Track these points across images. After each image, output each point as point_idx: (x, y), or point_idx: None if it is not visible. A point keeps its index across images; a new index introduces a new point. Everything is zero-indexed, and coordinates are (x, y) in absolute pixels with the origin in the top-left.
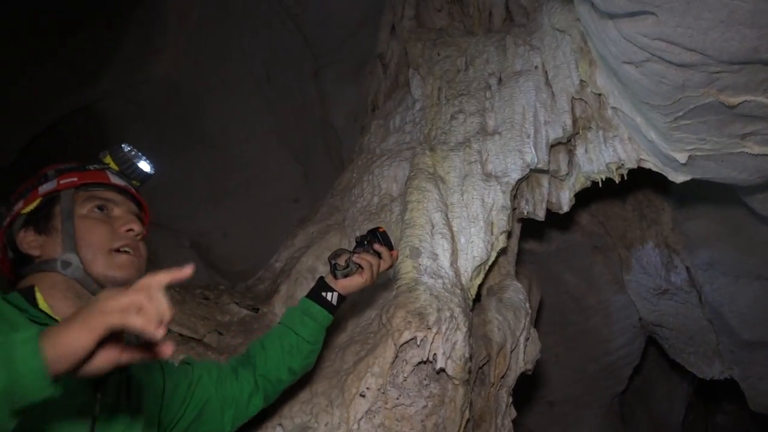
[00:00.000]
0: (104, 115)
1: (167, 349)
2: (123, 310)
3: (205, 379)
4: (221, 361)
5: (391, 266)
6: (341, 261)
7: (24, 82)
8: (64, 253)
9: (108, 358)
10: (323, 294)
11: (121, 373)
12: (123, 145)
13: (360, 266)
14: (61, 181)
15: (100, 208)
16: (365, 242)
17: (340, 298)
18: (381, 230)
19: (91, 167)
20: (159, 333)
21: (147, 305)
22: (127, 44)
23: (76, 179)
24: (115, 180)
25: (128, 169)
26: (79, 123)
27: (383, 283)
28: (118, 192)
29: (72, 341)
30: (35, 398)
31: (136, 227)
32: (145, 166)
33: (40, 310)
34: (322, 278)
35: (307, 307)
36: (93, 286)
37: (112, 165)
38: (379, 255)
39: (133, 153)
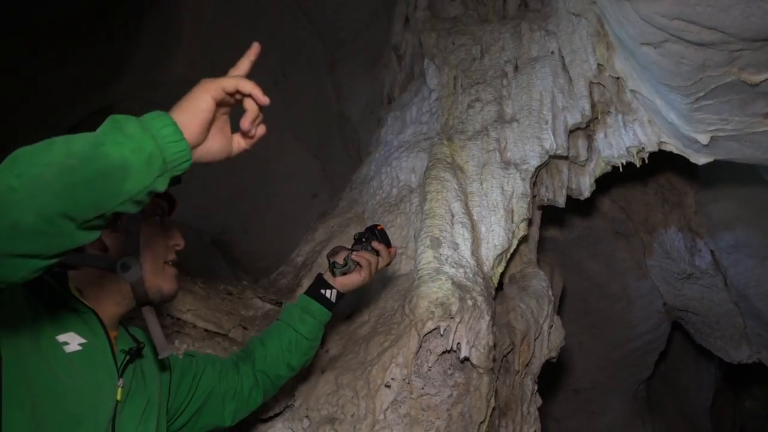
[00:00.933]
0: None
1: (261, 130)
2: (229, 79)
3: (209, 372)
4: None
5: (389, 263)
6: (340, 259)
7: (43, 87)
8: (126, 255)
9: (222, 143)
10: (322, 291)
11: (134, 362)
12: None
13: (359, 264)
14: None
15: (159, 215)
16: (363, 240)
17: (339, 295)
18: (379, 228)
19: None
20: (265, 98)
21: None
22: (143, 46)
23: None
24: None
25: None
26: (98, 125)
27: (404, 274)
28: (165, 199)
29: (195, 102)
30: (180, 164)
31: (182, 243)
32: None
33: (72, 295)
34: (320, 275)
35: (306, 305)
36: (142, 294)
37: None
38: (377, 253)
39: None
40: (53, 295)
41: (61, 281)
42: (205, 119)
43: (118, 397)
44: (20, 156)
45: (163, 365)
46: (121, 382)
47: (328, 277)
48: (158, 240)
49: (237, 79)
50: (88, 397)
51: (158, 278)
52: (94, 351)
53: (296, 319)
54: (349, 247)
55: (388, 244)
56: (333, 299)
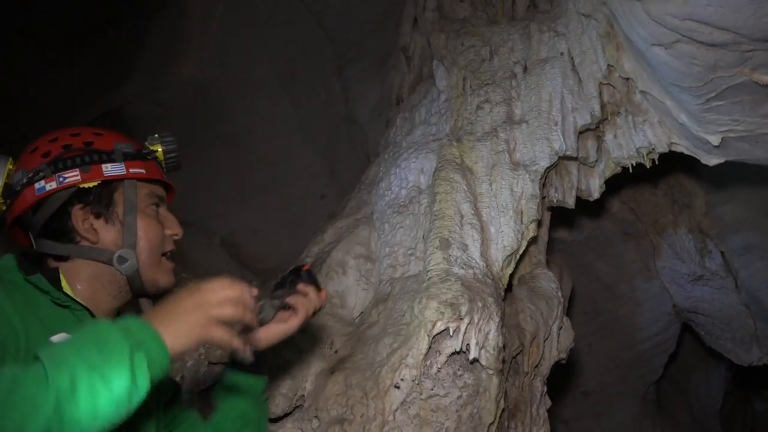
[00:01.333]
0: (132, 117)
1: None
2: (227, 303)
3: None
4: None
5: (319, 309)
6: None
7: (54, 88)
8: (123, 247)
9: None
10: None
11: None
12: (172, 137)
13: (287, 307)
14: (131, 170)
15: (156, 205)
16: (287, 282)
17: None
18: (306, 268)
19: (148, 155)
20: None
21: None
22: (152, 48)
23: (144, 172)
24: (166, 176)
25: (171, 159)
26: (108, 126)
27: (413, 275)
28: (164, 188)
29: (183, 339)
30: (161, 375)
31: (180, 232)
32: (178, 156)
33: (63, 293)
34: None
35: (236, 382)
36: (138, 286)
37: (160, 153)
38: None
39: (176, 142)
40: (43, 297)
41: (53, 277)
42: (191, 348)
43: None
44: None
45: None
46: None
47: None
48: (155, 231)
49: (236, 292)
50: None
51: (155, 270)
52: None
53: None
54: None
55: (317, 285)
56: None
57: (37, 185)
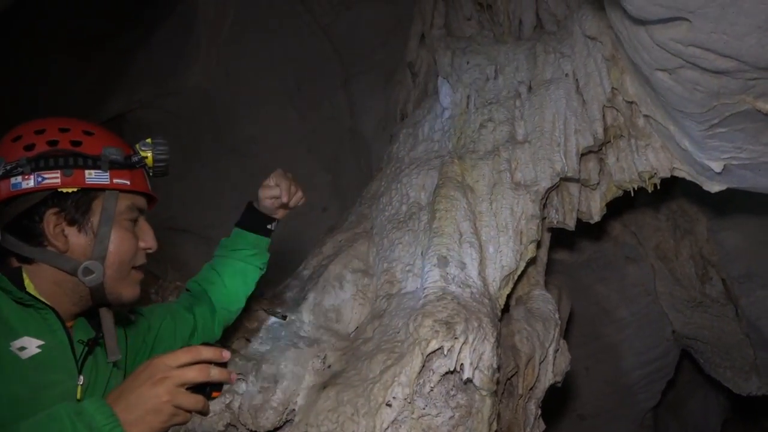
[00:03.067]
0: (137, 124)
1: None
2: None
3: (166, 325)
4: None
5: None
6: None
7: (60, 93)
8: (91, 259)
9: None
10: (269, 227)
11: (93, 354)
12: (167, 143)
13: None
14: (115, 180)
15: (134, 220)
16: None
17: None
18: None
19: (136, 164)
20: (226, 353)
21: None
22: (160, 55)
23: (128, 183)
24: (150, 185)
25: (159, 166)
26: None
27: (410, 291)
28: (146, 198)
29: (146, 405)
30: None
31: (154, 246)
32: (168, 164)
33: (27, 292)
34: (254, 208)
35: (257, 242)
36: (100, 298)
37: (149, 160)
38: None
39: (168, 151)
40: (4, 295)
41: (15, 276)
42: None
43: (78, 397)
44: None
45: (120, 345)
46: (81, 379)
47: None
48: (128, 244)
49: (192, 354)
50: (49, 403)
51: (120, 284)
52: (53, 351)
53: (247, 254)
54: None
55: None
56: (273, 228)
57: (13, 180)
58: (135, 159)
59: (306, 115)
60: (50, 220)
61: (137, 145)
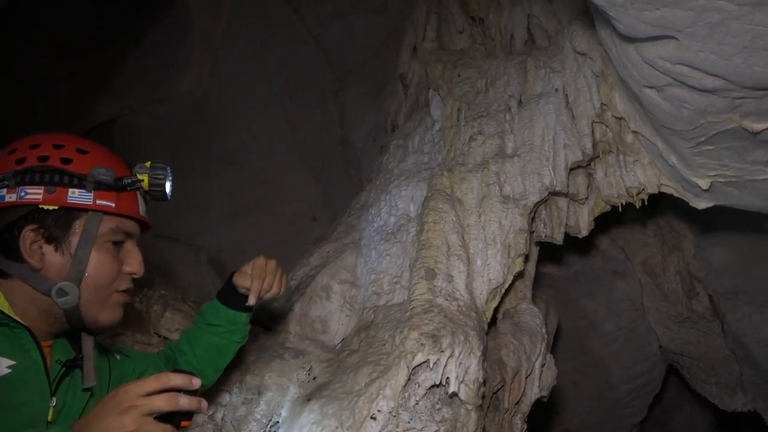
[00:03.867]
0: (127, 129)
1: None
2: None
3: (151, 370)
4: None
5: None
6: None
7: (51, 98)
8: (66, 280)
9: None
10: (248, 304)
11: (70, 376)
12: (166, 168)
13: None
14: (98, 201)
15: (118, 243)
16: None
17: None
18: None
19: (127, 186)
20: (197, 381)
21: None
22: (152, 61)
23: (113, 205)
24: (142, 209)
25: (156, 191)
26: (102, 136)
27: (397, 303)
28: (137, 222)
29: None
30: None
31: (140, 271)
32: (168, 189)
33: (1, 312)
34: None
35: (234, 318)
36: (75, 321)
37: (144, 183)
38: None
39: (168, 175)
40: None
41: None
42: None
43: (49, 418)
44: None
45: (102, 371)
46: (53, 401)
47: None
48: (108, 268)
49: (161, 382)
50: (18, 423)
51: (97, 308)
52: (25, 371)
53: (223, 330)
54: None
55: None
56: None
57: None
58: (127, 182)
59: (297, 124)
60: (27, 236)
61: (135, 168)
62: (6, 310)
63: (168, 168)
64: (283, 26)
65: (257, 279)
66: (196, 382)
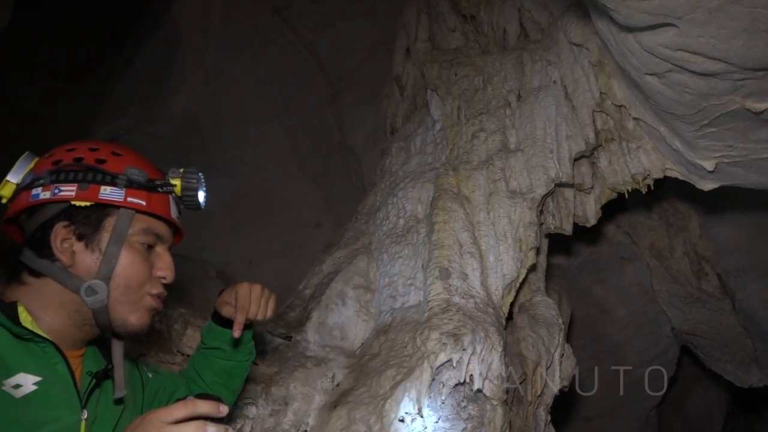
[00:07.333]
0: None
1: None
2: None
3: (182, 390)
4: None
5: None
6: None
7: (47, 121)
8: (95, 278)
9: None
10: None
11: (101, 388)
12: (198, 173)
13: None
14: (129, 198)
15: (150, 246)
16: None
17: None
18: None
19: (159, 187)
20: (224, 408)
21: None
22: (145, 80)
23: (144, 203)
24: (174, 213)
25: (188, 198)
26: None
27: (414, 305)
28: (169, 225)
29: None
30: None
31: (171, 276)
32: (201, 198)
33: (23, 327)
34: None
35: (239, 338)
36: (104, 323)
37: (177, 189)
38: None
39: (201, 182)
40: (3, 332)
41: (10, 311)
42: None
43: (82, 431)
44: None
45: (135, 386)
46: (84, 414)
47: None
48: (138, 268)
49: (188, 409)
50: None
51: (126, 309)
52: (52, 387)
53: (223, 353)
54: None
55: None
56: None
57: (33, 191)
58: (159, 182)
59: (294, 132)
60: (59, 233)
61: (168, 172)
62: (29, 326)
63: (200, 174)
64: (274, 37)
65: (241, 310)
66: (224, 410)
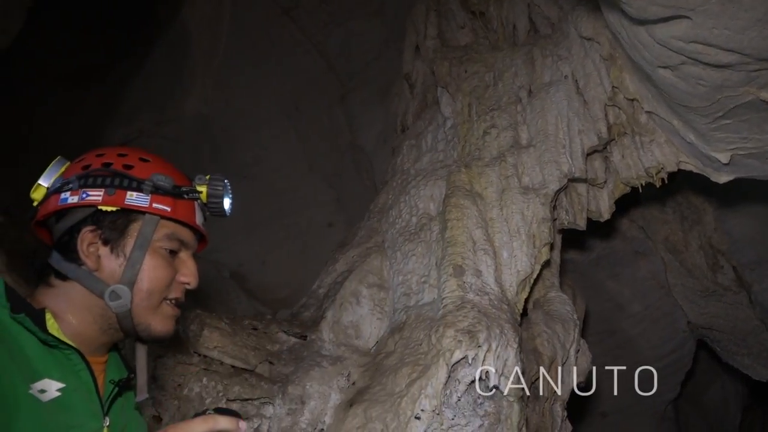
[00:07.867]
0: None
1: None
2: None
3: None
4: None
5: None
6: None
7: (61, 126)
8: (119, 283)
9: None
10: None
11: (124, 396)
12: (224, 180)
13: None
14: (154, 204)
15: (174, 251)
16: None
17: None
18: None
19: (185, 194)
20: (243, 424)
21: None
22: (157, 83)
23: (169, 209)
24: (199, 220)
25: (214, 205)
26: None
27: (428, 302)
28: (194, 231)
29: None
30: None
31: (194, 282)
32: (227, 205)
33: (50, 334)
34: None
35: None
36: (128, 328)
37: (203, 195)
38: None
39: (227, 189)
40: (29, 336)
41: (38, 318)
42: None
43: None
44: None
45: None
46: (106, 421)
47: None
48: (162, 273)
49: (208, 425)
50: None
51: (149, 315)
52: (75, 394)
53: None
54: None
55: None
56: None
57: (62, 195)
58: (185, 189)
59: (305, 133)
60: (85, 237)
61: (194, 179)
62: (55, 332)
63: (226, 181)
64: (284, 37)
65: None
66: (243, 426)
